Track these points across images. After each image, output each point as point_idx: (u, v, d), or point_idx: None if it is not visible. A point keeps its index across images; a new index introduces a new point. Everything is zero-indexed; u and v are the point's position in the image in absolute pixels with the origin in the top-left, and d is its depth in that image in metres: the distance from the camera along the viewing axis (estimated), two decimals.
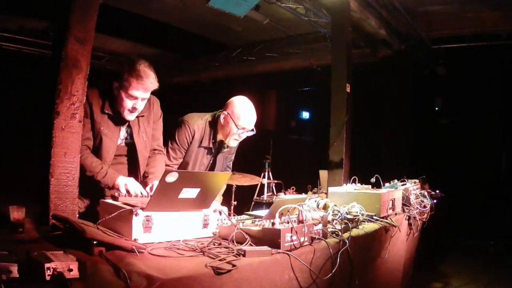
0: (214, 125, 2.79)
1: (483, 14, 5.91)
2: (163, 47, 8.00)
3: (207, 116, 2.82)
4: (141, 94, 2.20)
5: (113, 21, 5.66)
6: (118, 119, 2.29)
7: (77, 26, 1.99)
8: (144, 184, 2.31)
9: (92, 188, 2.23)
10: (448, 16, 6.15)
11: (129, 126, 2.36)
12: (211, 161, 2.86)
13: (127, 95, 2.19)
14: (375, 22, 5.72)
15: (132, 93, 2.18)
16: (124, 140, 2.37)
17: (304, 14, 5.65)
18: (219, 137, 2.80)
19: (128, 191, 2.09)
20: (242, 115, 2.69)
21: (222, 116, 2.74)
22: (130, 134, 2.36)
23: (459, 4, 5.77)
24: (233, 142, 2.78)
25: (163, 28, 6.74)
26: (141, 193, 2.10)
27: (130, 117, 2.27)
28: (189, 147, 2.76)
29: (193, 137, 2.74)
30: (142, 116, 2.39)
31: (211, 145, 2.79)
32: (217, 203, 2.79)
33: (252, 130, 2.76)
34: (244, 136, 2.79)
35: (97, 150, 2.25)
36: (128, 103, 2.20)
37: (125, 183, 2.17)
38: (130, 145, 2.37)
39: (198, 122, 2.77)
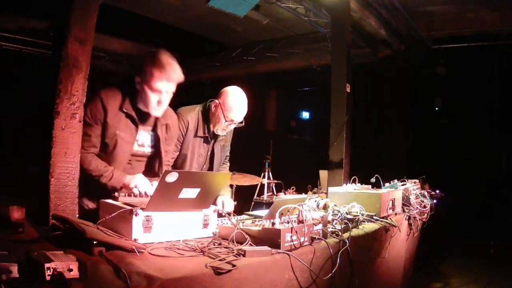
0: (206, 113, 2.79)
1: (483, 14, 5.91)
2: (163, 47, 7.99)
3: (199, 107, 2.83)
4: (165, 86, 2.13)
5: (113, 21, 5.66)
6: (136, 120, 2.22)
7: (77, 26, 1.98)
8: None
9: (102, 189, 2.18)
10: (448, 16, 6.15)
11: (154, 131, 2.31)
12: (209, 151, 2.86)
13: (150, 89, 2.13)
14: (375, 22, 5.72)
15: (156, 85, 2.12)
16: (140, 146, 2.29)
17: (304, 14, 5.65)
18: (211, 126, 2.80)
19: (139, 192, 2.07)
20: (233, 107, 2.68)
21: (213, 105, 2.74)
22: (156, 142, 2.31)
23: (459, 4, 5.78)
24: (221, 131, 2.79)
25: (163, 28, 6.74)
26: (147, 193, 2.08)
27: (156, 112, 2.20)
28: (184, 139, 2.75)
29: (187, 128, 2.73)
30: (166, 124, 2.36)
31: (206, 134, 2.79)
32: (227, 196, 2.81)
33: (241, 122, 2.74)
34: (232, 127, 2.79)
35: (111, 154, 2.19)
36: (153, 98, 2.14)
37: (136, 183, 2.12)
38: (155, 151, 2.32)
39: (191, 113, 2.76)
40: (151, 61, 2.14)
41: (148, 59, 2.15)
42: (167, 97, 2.19)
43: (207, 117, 2.78)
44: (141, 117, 2.24)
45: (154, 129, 2.33)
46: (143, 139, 2.30)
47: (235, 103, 2.69)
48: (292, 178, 4.57)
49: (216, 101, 2.72)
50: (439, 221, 4.24)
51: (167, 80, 2.13)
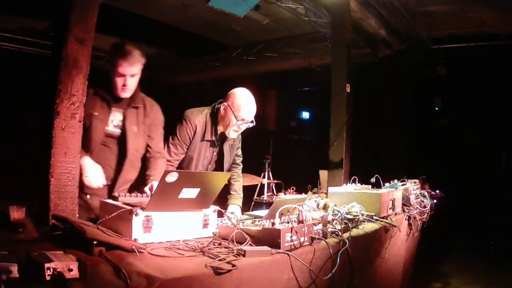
0: (214, 117, 2.79)
1: (483, 14, 5.91)
2: (163, 47, 8.00)
3: (207, 110, 2.83)
4: (128, 70, 2.33)
5: (113, 21, 5.65)
6: (110, 101, 2.39)
7: (77, 26, 1.99)
8: (143, 184, 2.34)
9: None
10: (448, 16, 6.15)
11: (123, 115, 2.44)
12: (214, 153, 2.86)
13: (116, 74, 2.33)
14: (375, 22, 5.72)
15: (120, 70, 2.32)
16: (115, 127, 2.43)
17: (304, 14, 5.65)
18: (220, 129, 2.80)
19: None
20: (242, 106, 2.69)
21: (222, 107, 2.74)
22: (123, 122, 2.44)
23: (459, 4, 5.78)
24: (233, 133, 2.78)
25: (163, 28, 6.74)
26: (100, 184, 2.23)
27: (124, 94, 2.39)
28: (191, 142, 2.76)
29: (195, 132, 2.75)
30: (136, 107, 2.47)
31: (213, 138, 2.79)
32: (238, 208, 2.83)
33: (252, 121, 2.75)
34: (243, 127, 2.78)
35: (87, 132, 2.28)
36: (118, 81, 2.35)
37: (87, 174, 2.20)
38: (121, 133, 2.44)
39: (198, 117, 2.77)
40: (115, 51, 2.36)
41: (113, 49, 2.39)
42: (132, 80, 2.37)
43: (215, 120, 2.79)
44: (114, 99, 2.41)
45: (126, 111, 2.46)
46: (117, 121, 2.43)
47: (244, 101, 2.70)
48: (292, 178, 4.57)
49: (225, 103, 2.73)
50: (439, 221, 4.24)
51: (129, 65, 2.33)
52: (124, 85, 2.34)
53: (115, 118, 2.41)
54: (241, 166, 3.15)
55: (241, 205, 3.02)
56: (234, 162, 3.07)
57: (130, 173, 2.48)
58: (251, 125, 2.76)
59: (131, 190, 2.45)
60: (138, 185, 2.46)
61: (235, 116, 2.68)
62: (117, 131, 2.43)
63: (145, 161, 2.54)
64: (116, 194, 1.93)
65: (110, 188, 2.39)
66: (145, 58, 2.38)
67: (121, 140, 2.43)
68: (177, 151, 2.76)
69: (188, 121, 2.74)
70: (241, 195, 3.08)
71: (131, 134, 2.43)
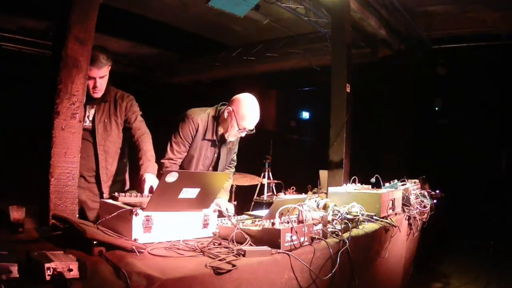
0: (216, 118, 2.82)
1: (483, 14, 5.90)
2: (163, 47, 8.00)
3: (209, 110, 2.86)
4: (96, 73, 2.46)
5: (113, 21, 5.65)
6: (87, 100, 2.45)
7: (77, 26, 1.99)
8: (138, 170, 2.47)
9: None
10: (448, 16, 6.15)
11: (95, 110, 2.58)
12: (215, 154, 2.89)
13: (88, 78, 2.39)
14: (375, 22, 5.72)
15: (90, 74, 2.39)
16: (90, 122, 2.59)
17: (304, 14, 5.65)
18: (220, 130, 2.82)
19: None
20: (246, 116, 2.71)
21: (226, 111, 2.76)
22: (94, 116, 2.58)
23: (459, 4, 5.78)
24: (232, 137, 2.82)
25: (163, 28, 6.74)
26: None
27: (95, 94, 2.54)
28: (193, 141, 2.78)
29: (197, 131, 2.77)
30: (106, 102, 2.61)
31: (214, 138, 2.82)
32: (224, 200, 2.83)
33: (252, 130, 2.77)
34: (243, 135, 2.82)
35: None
36: (89, 84, 2.47)
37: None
38: (93, 126, 2.59)
39: (201, 116, 2.80)
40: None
41: None
42: (101, 81, 2.52)
43: (217, 122, 2.81)
44: (88, 98, 2.46)
45: (98, 106, 2.61)
46: (92, 116, 2.60)
47: (249, 112, 2.72)
48: (292, 178, 4.57)
49: (230, 108, 2.74)
50: (439, 221, 4.24)
51: (97, 69, 2.46)
52: (95, 86, 2.49)
53: (90, 113, 2.58)
54: (234, 169, 3.20)
55: (227, 200, 3.04)
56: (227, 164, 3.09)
57: (110, 163, 2.62)
58: (250, 132, 2.80)
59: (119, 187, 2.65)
60: (134, 182, 2.55)
61: (238, 124, 2.71)
62: (91, 125, 2.59)
63: (134, 146, 2.63)
64: (116, 194, 1.93)
65: (97, 180, 2.57)
66: (111, 60, 2.54)
67: (94, 132, 2.59)
68: (180, 149, 2.78)
69: (190, 119, 2.76)
70: (228, 193, 3.12)
71: (101, 125, 2.59)
